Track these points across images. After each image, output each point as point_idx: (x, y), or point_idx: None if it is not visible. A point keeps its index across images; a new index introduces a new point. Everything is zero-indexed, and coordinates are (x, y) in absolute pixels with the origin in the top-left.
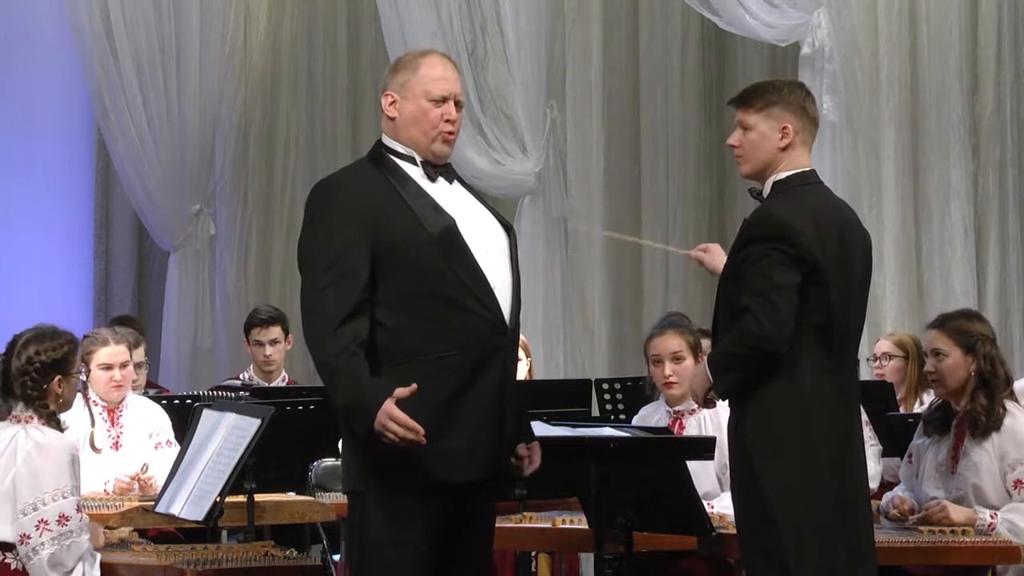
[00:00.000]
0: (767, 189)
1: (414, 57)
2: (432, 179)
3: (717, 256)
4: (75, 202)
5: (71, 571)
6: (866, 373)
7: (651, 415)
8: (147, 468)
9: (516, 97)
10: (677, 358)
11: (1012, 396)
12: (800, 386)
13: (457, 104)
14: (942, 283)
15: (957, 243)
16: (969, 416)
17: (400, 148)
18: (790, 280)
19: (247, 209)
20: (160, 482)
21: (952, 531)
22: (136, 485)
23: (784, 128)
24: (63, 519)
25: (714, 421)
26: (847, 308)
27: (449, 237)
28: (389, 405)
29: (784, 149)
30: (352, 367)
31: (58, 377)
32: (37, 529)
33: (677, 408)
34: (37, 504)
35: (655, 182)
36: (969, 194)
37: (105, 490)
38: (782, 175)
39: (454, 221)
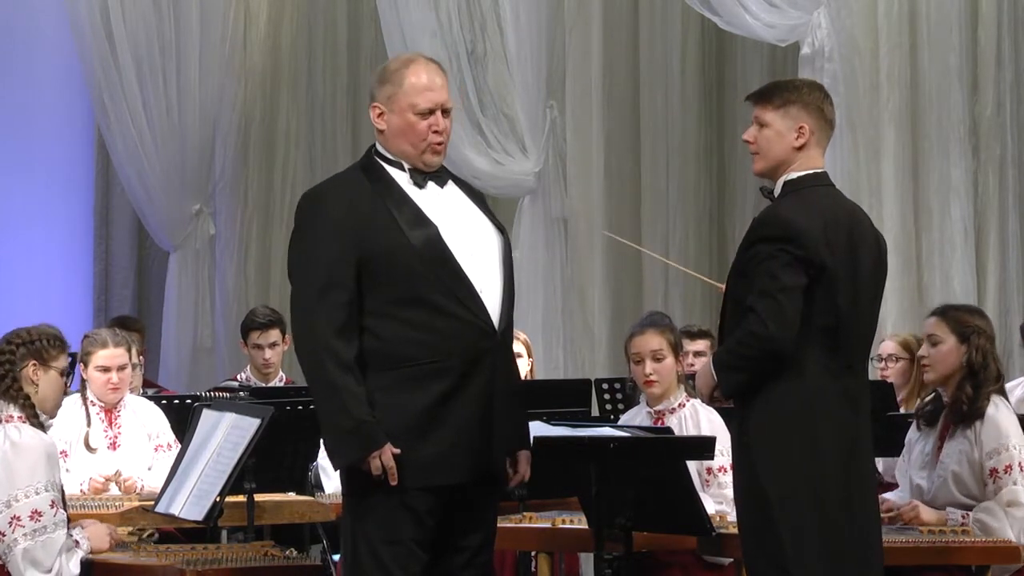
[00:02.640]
0: (778, 188)
1: (399, 67)
2: (420, 185)
3: None
4: (75, 202)
5: (50, 569)
6: (869, 373)
7: (633, 418)
8: (120, 473)
9: (516, 97)
10: (657, 357)
11: (1001, 392)
12: (805, 388)
13: (445, 112)
14: (942, 283)
15: (957, 243)
16: (953, 405)
17: (390, 155)
18: (796, 281)
19: (247, 209)
20: (140, 483)
21: (953, 531)
22: (112, 486)
23: (801, 128)
24: (35, 515)
25: (693, 420)
26: (855, 311)
27: (432, 245)
28: (388, 450)
29: (799, 149)
30: (356, 391)
31: (33, 362)
32: (10, 526)
33: (657, 408)
34: (11, 501)
35: (655, 182)
36: (969, 194)
37: (81, 490)
38: (794, 175)
39: (437, 228)
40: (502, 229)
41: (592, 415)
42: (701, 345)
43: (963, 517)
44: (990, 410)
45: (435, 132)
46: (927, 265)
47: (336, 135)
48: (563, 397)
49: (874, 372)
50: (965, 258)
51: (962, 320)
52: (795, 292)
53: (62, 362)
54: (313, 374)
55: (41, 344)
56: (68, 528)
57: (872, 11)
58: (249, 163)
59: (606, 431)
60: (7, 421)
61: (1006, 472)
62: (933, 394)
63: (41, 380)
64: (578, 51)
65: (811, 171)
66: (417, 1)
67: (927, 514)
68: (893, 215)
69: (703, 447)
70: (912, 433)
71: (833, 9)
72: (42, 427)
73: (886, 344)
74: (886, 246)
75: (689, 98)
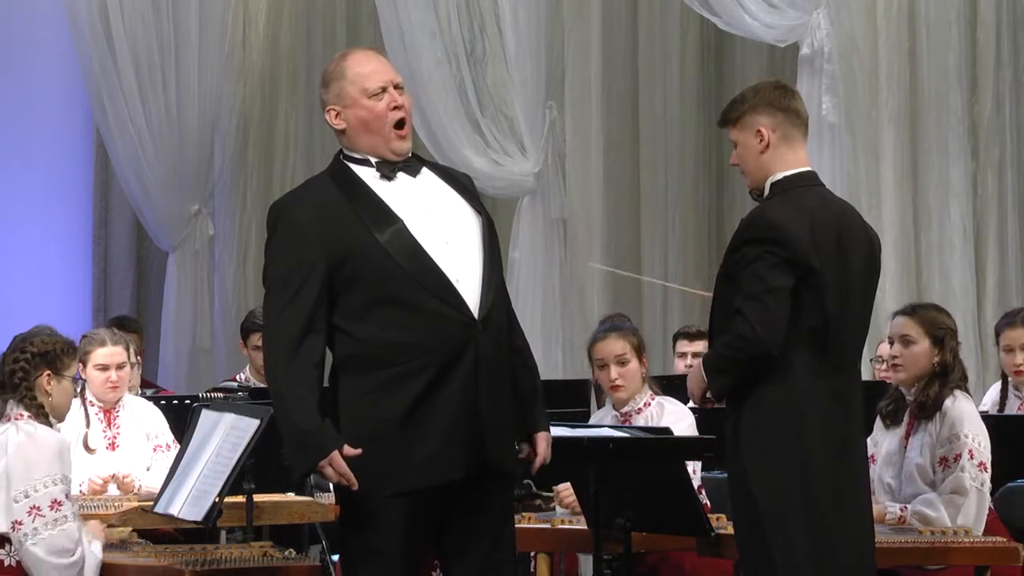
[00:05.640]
0: (766, 189)
1: (337, 63)
2: (390, 177)
3: None
4: (74, 202)
5: (73, 553)
6: (866, 372)
7: (601, 420)
8: (118, 474)
9: (515, 97)
10: (621, 361)
11: (964, 388)
12: (793, 389)
13: (398, 87)
14: (941, 283)
15: (956, 243)
16: (917, 403)
17: (357, 155)
18: (783, 283)
19: (246, 209)
20: (138, 483)
21: (954, 531)
22: (110, 487)
23: (758, 132)
24: (56, 504)
25: (660, 417)
26: (845, 312)
27: (399, 240)
28: (336, 458)
29: (765, 152)
30: (302, 400)
31: (47, 372)
32: (29, 515)
33: (624, 410)
34: (28, 491)
35: (654, 182)
36: (968, 194)
37: (80, 491)
38: (779, 175)
39: (403, 223)
40: (482, 210)
41: (591, 415)
42: (700, 346)
43: (901, 510)
44: (948, 402)
45: (395, 108)
46: (926, 265)
47: (334, 135)
48: (562, 398)
49: (869, 371)
50: (964, 258)
51: (935, 321)
52: (782, 294)
53: (73, 369)
54: (269, 385)
55: (55, 353)
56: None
57: (871, 12)
58: (248, 163)
59: (605, 431)
60: (17, 419)
61: (955, 460)
62: (894, 391)
63: (54, 389)
64: (577, 51)
65: (796, 171)
66: (416, 1)
67: None
68: (892, 216)
69: (703, 447)
70: (877, 433)
71: (832, 10)
72: (51, 427)
73: (884, 346)
74: (879, 243)
75: (688, 98)
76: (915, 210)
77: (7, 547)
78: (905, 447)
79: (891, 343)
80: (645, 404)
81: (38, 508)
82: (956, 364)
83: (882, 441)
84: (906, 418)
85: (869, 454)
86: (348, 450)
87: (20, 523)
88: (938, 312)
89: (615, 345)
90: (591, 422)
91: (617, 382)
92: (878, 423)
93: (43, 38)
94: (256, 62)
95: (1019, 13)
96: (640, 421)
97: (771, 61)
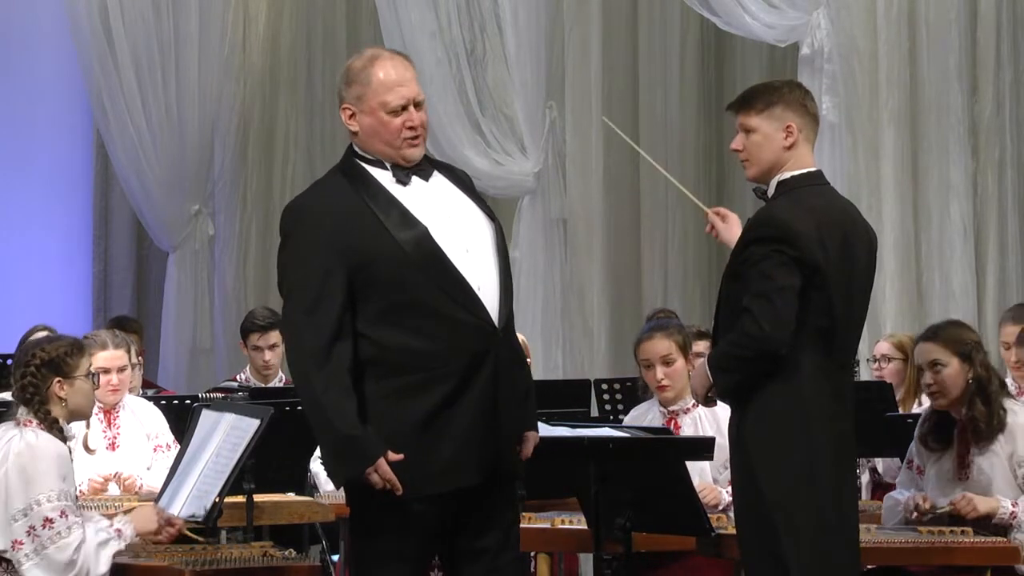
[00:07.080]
0: (771, 189)
1: (364, 65)
2: (404, 182)
3: (733, 227)
4: (74, 202)
5: (72, 562)
6: (865, 373)
7: (644, 415)
8: (120, 474)
9: (515, 97)
10: (667, 361)
11: (1008, 395)
12: (799, 388)
13: (417, 105)
14: (941, 283)
15: (956, 243)
16: (970, 424)
17: (369, 155)
18: (791, 282)
19: (246, 209)
20: (140, 483)
21: (952, 531)
22: (111, 485)
23: (788, 127)
24: (47, 523)
25: (710, 419)
26: (849, 311)
27: (423, 246)
28: (383, 464)
29: (789, 148)
30: (343, 406)
31: (57, 379)
32: (28, 535)
33: (672, 408)
34: (27, 510)
35: (654, 182)
36: (968, 194)
37: (80, 491)
38: (787, 175)
39: (427, 228)
40: (492, 216)
41: (591, 415)
42: (701, 347)
43: (1013, 506)
44: (1010, 419)
45: (409, 128)
46: (926, 265)
47: (335, 135)
48: (562, 398)
49: (868, 373)
50: (964, 258)
51: (959, 338)
52: (790, 292)
53: (84, 367)
54: (301, 393)
55: (60, 358)
56: (108, 520)
57: (871, 12)
58: (248, 163)
59: (606, 431)
60: (25, 425)
61: None
62: (931, 413)
63: (68, 393)
64: (577, 51)
65: (804, 170)
66: (416, 1)
67: (982, 504)
68: (892, 215)
69: (702, 447)
70: (916, 456)
71: (832, 10)
72: (63, 438)
73: (881, 345)
74: (876, 239)
75: (689, 98)
76: (915, 210)
77: (3, 565)
78: (961, 468)
79: (920, 371)
80: (694, 404)
81: (34, 528)
82: (991, 375)
83: (927, 464)
84: (957, 438)
85: (903, 471)
86: (392, 455)
87: (20, 542)
88: (959, 328)
89: (660, 345)
90: (633, 415)
91: (664, 382)
92: (916, 447)
93: (43, 39)
94: (256, 62)
95: (1019, 13)
96: (688, 421)
97: (771, 61)
